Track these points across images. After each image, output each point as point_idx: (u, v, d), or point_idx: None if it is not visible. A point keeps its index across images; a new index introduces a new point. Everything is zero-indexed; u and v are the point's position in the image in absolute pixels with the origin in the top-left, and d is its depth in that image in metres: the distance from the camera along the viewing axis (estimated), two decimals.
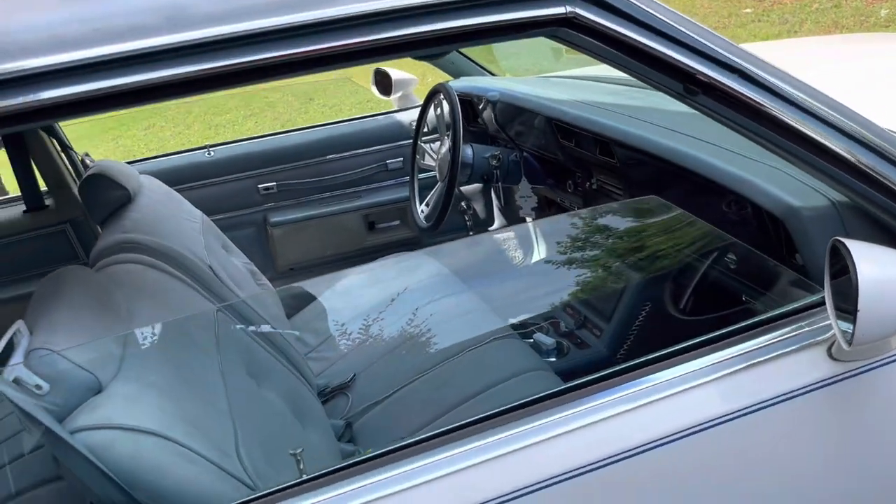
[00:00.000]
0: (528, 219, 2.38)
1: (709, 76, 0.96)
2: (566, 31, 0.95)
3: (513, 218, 2.78)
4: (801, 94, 0.98)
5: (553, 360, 1.88)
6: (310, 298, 2.38)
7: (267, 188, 2.60)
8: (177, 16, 0.82)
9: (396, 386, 1.79)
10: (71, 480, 0.97)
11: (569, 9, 0.93)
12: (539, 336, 1.91)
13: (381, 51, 0.93)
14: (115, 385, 1.01)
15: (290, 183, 2.61)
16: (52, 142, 2.24)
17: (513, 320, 2.00)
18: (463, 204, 2.71)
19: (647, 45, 0.94)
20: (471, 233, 2.79)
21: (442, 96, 2.16)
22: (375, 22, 0.89)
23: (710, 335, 1.02)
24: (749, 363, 0.99)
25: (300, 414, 1.54)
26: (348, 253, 2.66)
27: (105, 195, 1.81)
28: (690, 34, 0.95)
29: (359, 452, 1.49)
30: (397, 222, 2.71)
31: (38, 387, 0.94)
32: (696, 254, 1.53)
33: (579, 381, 1.00)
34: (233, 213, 2.56)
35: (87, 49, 0.79)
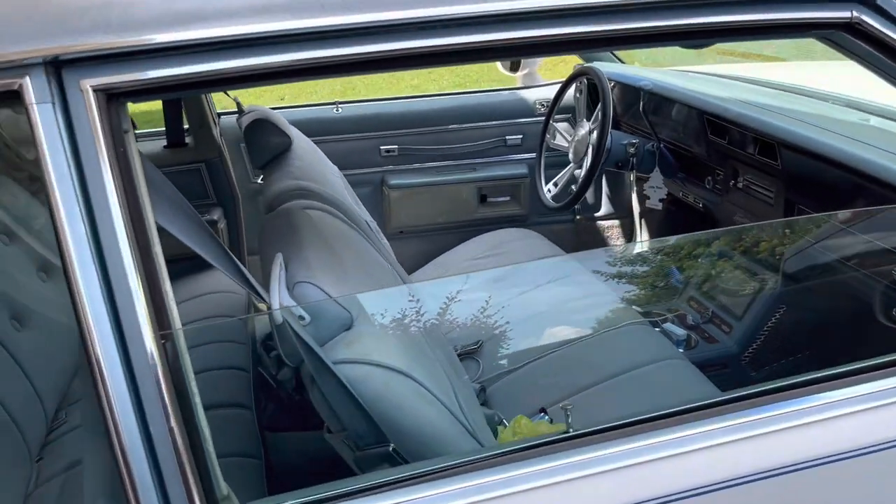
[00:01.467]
0: (657, 207, 2.40)
1: None
2: (844, 35, 0.98)
3: (620, 207, 2.82)
4: None
5: (681, 350, 1.92)
6: (429, 258, 2.44)
7: (388, 150, 2.65)
8: None
9: (527, 359, 1.84)
10: (320, 407, 1.03)
11: (854, 14, 0.96)
12: (669, 326, 1.95)
13: (661, 38, 0.96)
14: (362, 325, 1.07)
15: (410, 148, 2.66)
16: None
17: (637, 308, 2.04)
18: (572, 186, 2.75)
19: None
20: (578, 217, 2.83)
21: (588, 79, 2.19)
22: (659, 8, 0.92)
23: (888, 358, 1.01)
24: None
25: (455, 372, 1.60)
26: (458, 223, 2.71)
27: (269, 140, 1.87)
28: None
29: (497, 416, 1.54)
30: (508, 198, 2.75)
31: (302, 318, 1.00)
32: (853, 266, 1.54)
33: (770, 386, 0.99)
34: (353, 170, 2.61)
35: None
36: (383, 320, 1.12)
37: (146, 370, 0.74)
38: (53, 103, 0.74)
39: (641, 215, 2.65)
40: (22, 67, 0.74)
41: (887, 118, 1.70)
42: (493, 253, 2.38)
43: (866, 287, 1.56)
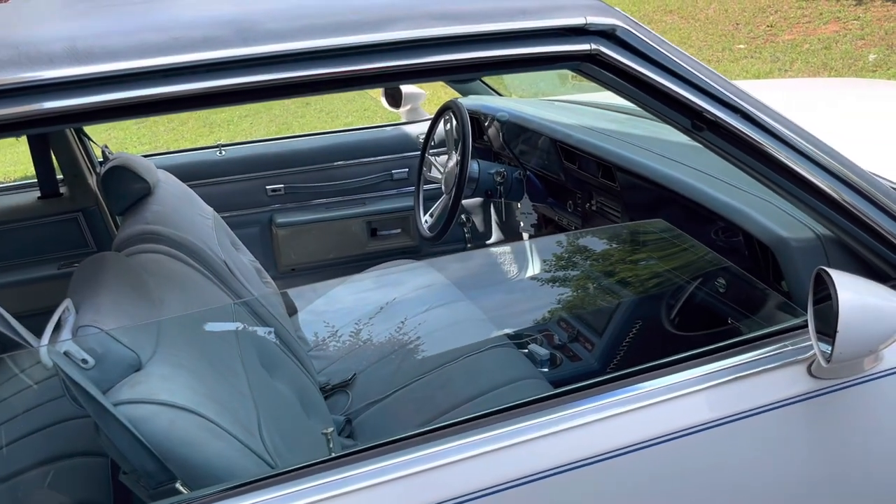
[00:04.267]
0: (526, 234, 2.48)
1: (714, 114, 1.06)
2: (589, 66, 1.05)
3: (510, 233, 2.88)
4: (793, 135, 1.09)
5: (546, 370, 1.97)
6: (311, 299, 2.46)
7: (275, 189, 2.68)
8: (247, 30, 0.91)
9: (395, 387, 1.87)
10: (109, 450, 1.04)
11: (593, 46, 1.03)
12: (534, 347, 2.00)
13: (419, 74, 1.03)
14: (152, 364, 1.08)
15: (297, 186, 2.70)
16: (71, 132, 2.31)
17: (508, 331, 2.09)
18: (463, 217, 2.81)
19: (662, 84, 1.05)
20: (469, 245, 2.89)
21: (452, 113, 2.26)
22: (419, 47, 0.98)
23: (699, 350, 1.12)
24: (735, 376, 1.09)
25: (306, 406, 1.62)
26: (349, 258, 2.74)
27: (126, 187, 1.88)
28: (700, 76, 1.06)
29: (357, 447, 1.57)
30: (398, 230, 2.79)
31: (85, 361, 1.02)
32: (689, 275, 1.63)
33: (574, 386, 1.09)
34: (240, 211, 2.63)
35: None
36: (180, 358, 1.14)
37: None
38: None
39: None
40: None
41: None
42: (380, 285, 2.42)
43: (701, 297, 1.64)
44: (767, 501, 1.10)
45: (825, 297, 1.02)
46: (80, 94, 0.84)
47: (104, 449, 1.05)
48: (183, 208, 1.99)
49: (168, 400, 1.04)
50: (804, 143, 1.09)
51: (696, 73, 1.06)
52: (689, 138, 1.89)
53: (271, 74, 0.92)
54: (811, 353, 1.07)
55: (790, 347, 1.10)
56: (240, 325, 1.49)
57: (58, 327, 1.05)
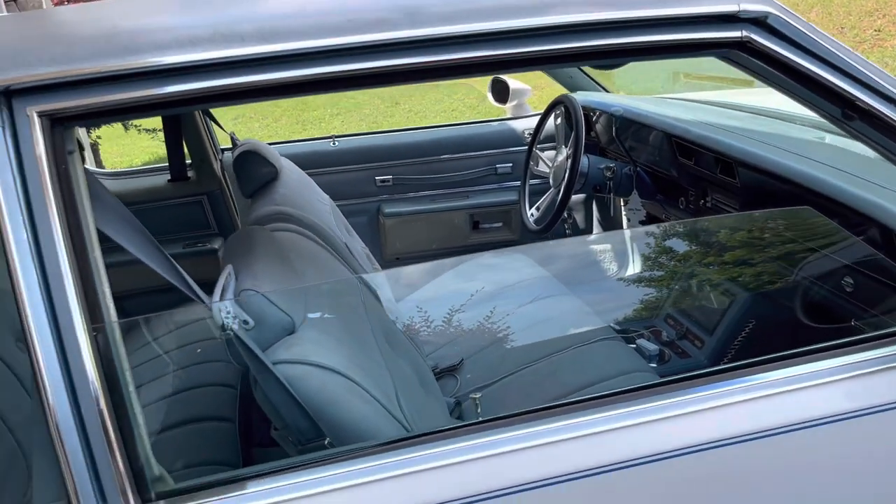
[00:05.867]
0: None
1: (867, 103, 1.05)
2: (738, 53, 1.06)
3: (610, 230, 2.88)
4: None
5: (654, 365, 1.96)
6: (418, 285, 2.53)
7: (383, 180, 2.77)
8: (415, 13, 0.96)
9: (503, 373, 1.91)
10: (265, 406, 1.12)
11: (744, 34, 1.04)
12: (642, 342, 2.00)
13: (572, 58, 1.06)
14: (303, 329, 1.16)
15: (404, 177, 2.78)
16: (201, 119, 2.45)
17: (614, 325, 2.09)
18: (565, 212, 2.82)
19: (813, 72, 1.04)
20: None
21: (565, 107, 2.28)
22: (574, 32, 1.02)
23: (818, 345, 1.09)
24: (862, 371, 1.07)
25: (423, 384, 1.68)
26: (451, 248, 2.80)
27: (257, 170, 1.99)
28: (854, 64, 1.05)
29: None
30: (500, 224, 2.83)
31: (246, 322, 1.10)
32: (829, 267, 1.58)
33: (686, 374, 1.07)
34: (350, 200, 2.73)
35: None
36: (326, 325, 1.20)
37: (78, 359, 0.84)
38: (3, 127, 0.86)
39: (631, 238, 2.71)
40: None
41: (841, 135, 1.75)
42: (484, 274, 2.47)
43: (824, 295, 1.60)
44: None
45: None
46: (270, 71, 0.92)
47: (260, 405, 1.13)
48: (305, 193, 2.09)
49: (320, 362, 1.11)
50: None
51: (849, 61, 1.05)
52: (813, 135, 1.86)
53: (436, 56, 0.97)
54: None
55: None
56: (369, 302, 1.56)
57: (222, 292, 1.14)
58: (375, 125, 8.13)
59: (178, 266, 1.02)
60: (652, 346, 1.98)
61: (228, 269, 1.16)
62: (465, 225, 2.81)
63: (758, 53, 1.05)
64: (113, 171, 2.82)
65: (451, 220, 2.80)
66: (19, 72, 0.87)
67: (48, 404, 0.83)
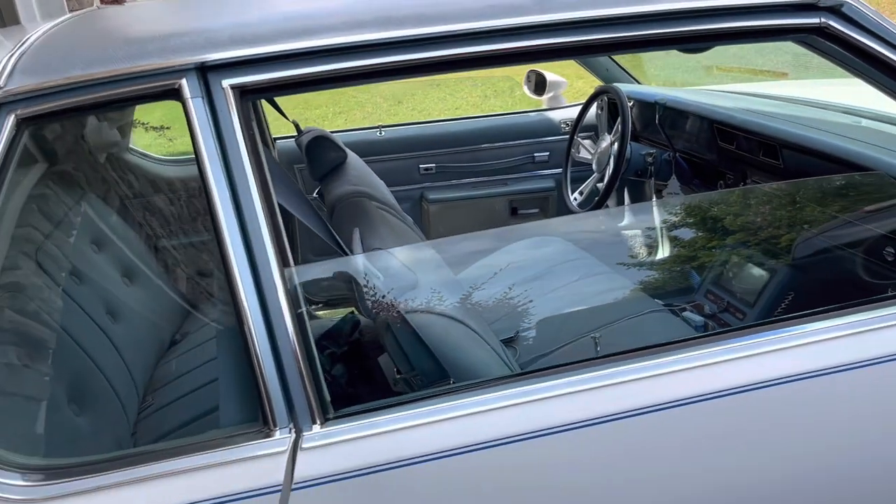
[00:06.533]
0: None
1: None
2: (816, 38, 1.20)
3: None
4: None
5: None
6: (469, 261, 2.66)
7: (427, 168, 2.91)
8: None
9: (558, 344, 2.04)
10: (393, 351, 1.26)
11: (822, 20, 1.19)
12: (688, 314, 2.15)
13: (659, 43, 1.20)
14: (424, 283, 1.29)
15: (447, 165, 2.91)
16: (261, 107, 2.58)
17: (660, 302, 2.23)
18: (596, 196, 2.97)
19: (884, 55, 1.19)
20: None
21: (608, 97, 2.43)
22: (664, 19, 1.15)
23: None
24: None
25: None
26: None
27: (327, 154, 2.13)
28: None
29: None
30: (537, 210, 2.98)
31: (378, 276, 1.24)
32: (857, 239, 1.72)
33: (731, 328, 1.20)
34: (395, 187, 2.86)
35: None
36: (439, 280, 1.34)
37: (275, 298, 0.97)
38: (203, 98, 1.00)
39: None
40: (180, 72, 0.99)
41: (877, 120, 1.90)
42: (527, 257, 2.61)
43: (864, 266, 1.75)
44: None
45: None
46: (423, 51, 1.05)
47: (387, 350, 1.26)
48: (369, 176, 2.22)
49: (443, 311, 1.24)
50: None
51: None
52: (850, 119, 2.00)
53: (559, 38, 1.11)
54: None
55: None
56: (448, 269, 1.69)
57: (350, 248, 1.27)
58: (378, 122, 8.23)
59: (332, 230, 1.16)
60: (697, 318, 2.12)
61: (356, 231, 1.30)
62: (504, 211, 2.95)
63: (834, 38, 1.19)
64: (168, 157, 2.93)
65: (491, 206, 2.94)
66: (214, 51, 1.00)
67: (251, 337, 0.96)
